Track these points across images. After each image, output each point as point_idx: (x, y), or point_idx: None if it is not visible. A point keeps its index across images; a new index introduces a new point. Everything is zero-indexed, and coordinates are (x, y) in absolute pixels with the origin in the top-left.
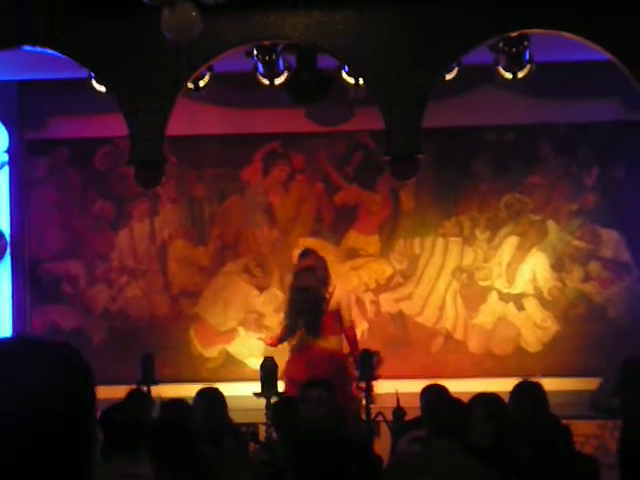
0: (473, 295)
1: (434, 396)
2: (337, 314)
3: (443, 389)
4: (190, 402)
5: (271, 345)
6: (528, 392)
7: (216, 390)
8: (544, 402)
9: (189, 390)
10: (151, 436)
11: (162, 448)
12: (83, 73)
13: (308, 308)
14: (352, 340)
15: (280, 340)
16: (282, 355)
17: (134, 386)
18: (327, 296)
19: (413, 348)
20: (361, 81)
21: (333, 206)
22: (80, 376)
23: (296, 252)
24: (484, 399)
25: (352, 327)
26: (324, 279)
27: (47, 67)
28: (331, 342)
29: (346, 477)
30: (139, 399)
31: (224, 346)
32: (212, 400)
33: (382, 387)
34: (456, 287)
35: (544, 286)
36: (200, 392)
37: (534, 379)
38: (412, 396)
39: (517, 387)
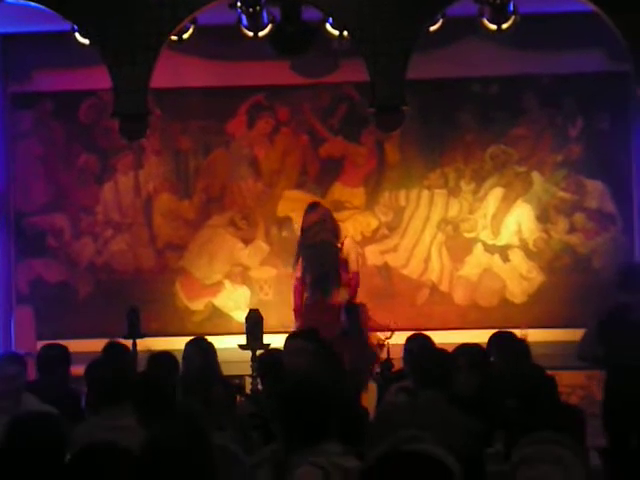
0: (458, 247)
1: (418, 346)
2: (346, 263)
3: (427, 339)
4: (177, 354)
5: (296, 312)
6: (506, 342)
7: (208, 341)
8: (525, 352)
9: (175, 343)
10: (134, 389)
11: (145, 401)
12: (67, 26)
13: (326, 262)
14: (354, 287)
15: (309, 301)
16: (268, 307)
17: (110, 340)
18: (339, 246)
19: (398, 300)
20: (345, 33)
21: (318, 158)
22: None
23: (281, 204)
24: (467, 349)
25: (357, 275)
26: (334, 230)
27: (30, 20)
28: (342, 293)
29: (330, 429)
30: (119, 352)
31: (210, 299)
32: (206, 350)
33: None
34: (441, 239)
35: (529, 237)
36: (193, 341)
37: (518, 330)
38: (398, 347)
39: (494, 338)
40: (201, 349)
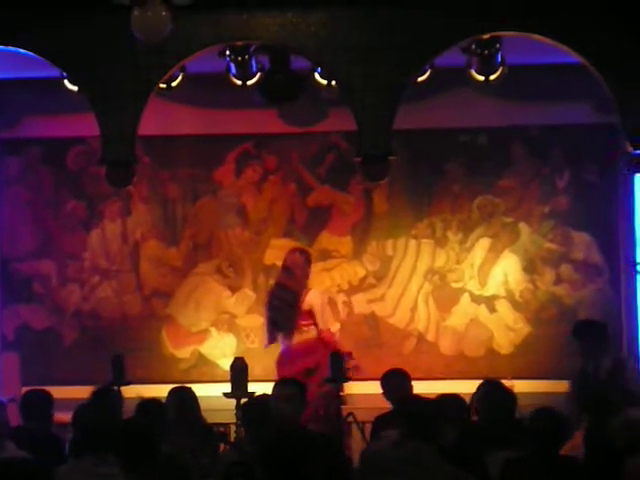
0: (445, 297)
1: (402, 390)
2: (311, 314)
3: (406, 377)
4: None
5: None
6: (493, 392)
7: (188, 389)
8: (511, 403)
9: (161, 391)
10: (117, 436)
11: (128, 448)
12: (56, 72)
13: (282, 305)
14: (331, 345)
15: (270, 339)
16: (254, 355)
17: (98, 386)
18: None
19: (385, 349)
20: (333, 83)
21: (306, 207)
22: None
23: (269, 252)
24: (447, 400)
25: (325, 332)
26: (301, 279)
27: (20, 66)
28: (304, 335)
29: (314, 477)
30: (107, 398)
31: (196, 347)
32: (184, 399)
33: (354, 388)
34: (428, 289)
35: (516, 288)
36: (172, 391)
37: (505, 381)
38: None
39: (482, 386)
40: (175, 399)
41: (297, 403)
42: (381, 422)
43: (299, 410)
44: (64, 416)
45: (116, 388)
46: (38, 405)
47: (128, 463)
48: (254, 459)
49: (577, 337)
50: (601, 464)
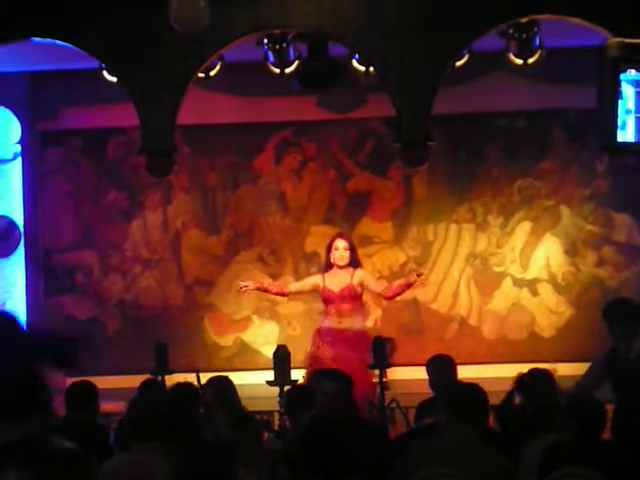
0: (487, 281)
1: (448, 377)
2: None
3: (451, 363)
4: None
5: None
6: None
7: (225, 378)
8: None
9: (204, 379)
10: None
11: (170, 435)
12: (94, 64)
13: None
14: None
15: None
16: (296, 342)
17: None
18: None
19: (427, 335)
20: (371, 69)
21: (346, 194)
22: None
23: (309, 239)
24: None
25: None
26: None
27: (58, 58)
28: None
29: (351, 466)
30: (152, 389)
31: (238, 335)
32: (221, 389)
33: (397, 374)
34: (470, 273)
35: (558, 271)
36: (209, 381)
37: (548, 365)
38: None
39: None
40: (217, 388)
41: (345, 399)
42: (425, 408)
43: (346, 403)
44: (108, 406)
45: (158, 377)
46: (84, 396)
47: (167, 450)
48: (297, 447)
49: (607, 319)
50: (630, 445)
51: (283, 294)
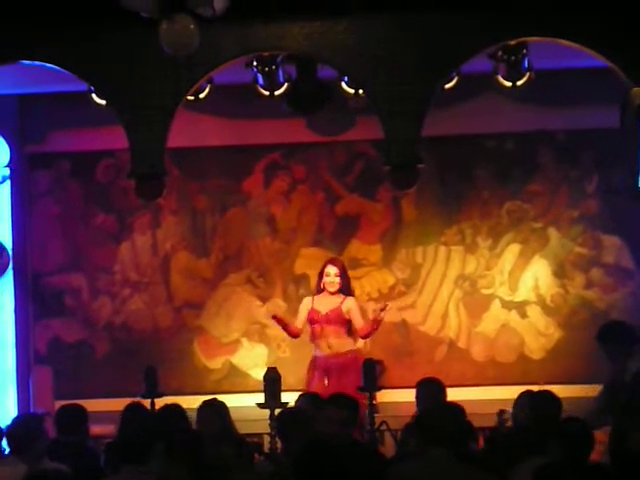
0: (476, 303)
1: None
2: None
3: (441, 387)
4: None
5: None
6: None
7: (217, 401)
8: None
9: (194, 402)
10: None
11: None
12: (83, 86)
13: None
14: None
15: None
16: (285, 365)
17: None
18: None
19: (417, 357)
20: (361, 91)
21: (334, 216)
22: None
23: (298, 262)
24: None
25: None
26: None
27: (47, 81)
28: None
29: None
30: (138, 411)
31: (228, 357)
32: (213, 412)
33: (386, 396)
34: (459, 295)
35: (546, 293)
36: (202, 405)
37: (537, 387)
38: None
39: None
40: (209, 412)
41: (351, 425)
42: (409, 431)
43: (351, 431)
44: (98, 429)
45: (148, 401)
46: (73, 419)
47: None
48: (289, 470)
49: (600, 341)
50: (626, 470)
51: (297, 335)
